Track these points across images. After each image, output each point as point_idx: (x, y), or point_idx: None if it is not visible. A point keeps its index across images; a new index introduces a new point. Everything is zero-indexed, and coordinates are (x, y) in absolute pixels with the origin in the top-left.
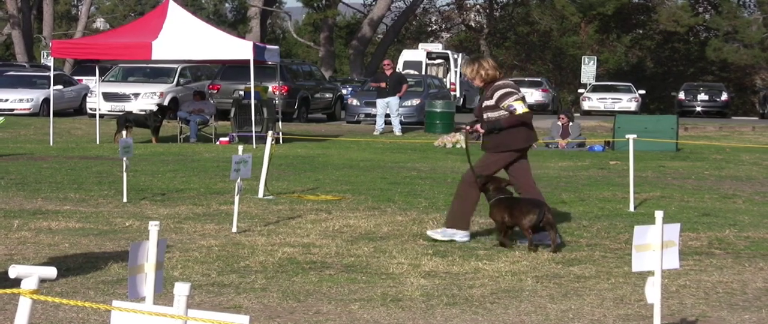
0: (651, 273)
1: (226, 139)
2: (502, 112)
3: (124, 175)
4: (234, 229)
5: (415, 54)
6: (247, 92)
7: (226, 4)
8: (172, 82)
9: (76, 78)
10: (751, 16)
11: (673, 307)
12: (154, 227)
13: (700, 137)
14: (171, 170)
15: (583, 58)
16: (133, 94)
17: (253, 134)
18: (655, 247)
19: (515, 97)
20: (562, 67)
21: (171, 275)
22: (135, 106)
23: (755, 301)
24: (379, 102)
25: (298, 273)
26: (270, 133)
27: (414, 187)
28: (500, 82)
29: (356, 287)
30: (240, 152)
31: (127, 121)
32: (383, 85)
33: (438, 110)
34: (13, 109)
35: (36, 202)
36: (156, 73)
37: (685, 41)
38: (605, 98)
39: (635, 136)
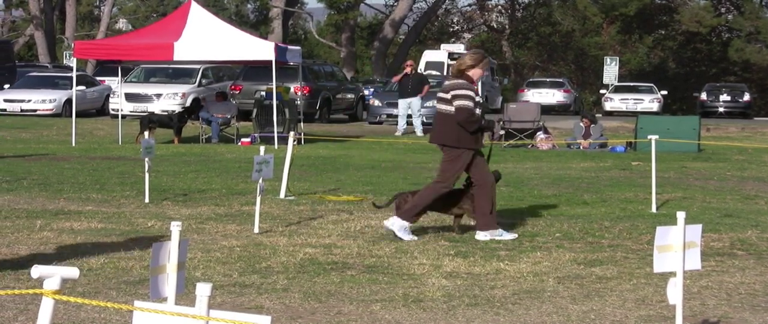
0: (673, 274)
1: (248, 139)
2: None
3: (146, 175)
4: (256, 230)
5: (437, 55)
6: (269, 93)
7: (248, 5)
8: (194, 82)
9: (98, 79)
10: None
11: (695, 308)
12: (176, 227)
13: (723, 138)
14: (193, 171)
15: (605, 58)
16: (155, 95)
17: (275, 135)
18: (677, 248)
19: None
20: (583, 68)
21: (193, 276)
22: (157, 107)
23: None
24: (401, 102)
25: (319, 273)
26: (292, 133)
27: None
28: None
29: (378, 288)
30: (262, 153)
31: (150, 121)
32: (400, 77)
33: None
34: (35, 110)
35: (58, 203)
36: (178, 74)
37: (707, 42)
38: (627, 99)
39: (657, 136)
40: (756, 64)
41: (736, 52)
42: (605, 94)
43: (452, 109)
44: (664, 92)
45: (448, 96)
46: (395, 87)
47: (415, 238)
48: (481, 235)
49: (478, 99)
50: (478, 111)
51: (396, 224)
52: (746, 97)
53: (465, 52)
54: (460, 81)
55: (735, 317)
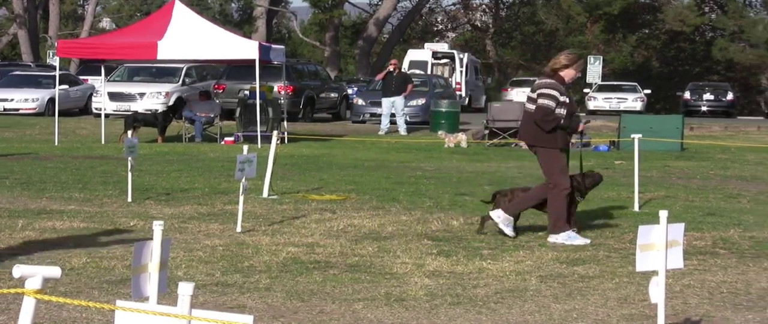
0: (655, 273)
1: (231, 138)
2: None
3: (129, 174)
4: (238, 229)
5: (421, 54)
6: (253, 92)
7: (232, 4)
8: (178, 81)
9: (81, 78)
10: (757, 15)
11: (677, 306)
12: (158, 227)
13: (706, 137)
14: (176, 170)
15: (588, 57)
16: (139, 94)
17: (259, 134)
18: (660, 247)
19: None
20: None
21: (175, 275)
22: (140, 106)
23: (759, 301)
24: (385, 101)
25: (302, 273)
26: (275, 132)
27: (419, 186)
28: None
29: (360, 287)
30: (245, 152)
31: (135, 120)
32: (383, 74)
33: (443, 110)
34: (18, 109)
35: (40, 202)
36: (161, 73)
37: (690, 41)
38: (611, 98)
39: (640, 135)
40: (739, 64)
41: (720, 52)
42: (589, 93)
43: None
44: (648, 91)
45: (534, 95)
46: (379, 86)
47: (514, 234)
48: (553, 238)
49: (563, 99)
50: (561, 111)
51: (501, 217)
52: (729, 96)
53: (448, 50)
54: (549, 81)
55: (717, 316)
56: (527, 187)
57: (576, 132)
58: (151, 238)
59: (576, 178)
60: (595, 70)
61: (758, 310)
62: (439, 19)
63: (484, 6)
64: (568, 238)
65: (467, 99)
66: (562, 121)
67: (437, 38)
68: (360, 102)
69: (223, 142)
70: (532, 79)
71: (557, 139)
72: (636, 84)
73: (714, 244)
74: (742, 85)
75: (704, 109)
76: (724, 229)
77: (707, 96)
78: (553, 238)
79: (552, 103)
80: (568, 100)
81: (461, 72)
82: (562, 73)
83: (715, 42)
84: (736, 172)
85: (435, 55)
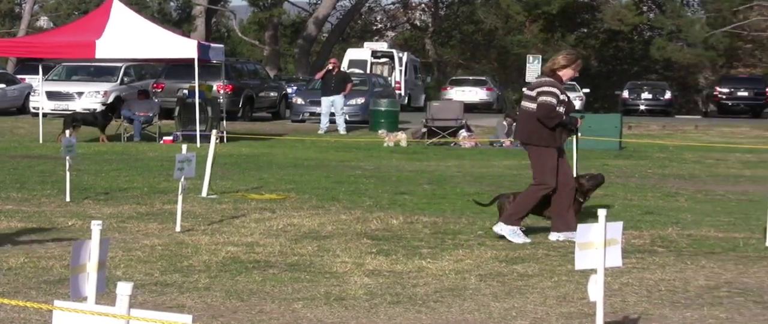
0: (594, 271)
1: (170, 138)
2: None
3: (67, 174)
4: (177, 229)
5: (361, 53)
6: (192, 91)
7: (171, 3)
8: (116, 80)
9: (19, 77)
10: (694, 15)
11: (616, 305)
12: (96, 226)
13: (644, 136)
14: (114, 169)
15: (527, 56)
16: (77, 93)
17: (198, 133)
18: (598, 245)
19: None
20: (506, 66)
21: (114, 275)
22: (78, 105)
23: (697, 299)
24: (324, 100)
25: (241, 272)
26: (214, 131)
27: (358, 185)
28: None
29: (300, 286)
30: (184, 151)
31: (74, 120)
32: (323, 73)
33: (383, 109)
34: None
35: None
36: (100, 72)
37: (629, 40)
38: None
39: (579, 134)
40: (677, 63)
41: (658, 51)
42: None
43: (535, 106)
44: (587, 90)
45: (534, 93)
46: (318, 85)
47: (529, 240)
48: (555, 236)
49: (563, 97)
50: (561, 109)
51: (505, 230)
52: (668, 95)
53: (387, 50)
54: (547, 79)
55: (655, 314)
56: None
57: (575, 129)
58: (90, 238)
59: (577, 180)
60: (534, 69)
61: (696, 307)
62: (378, 19)
63: (423, 5)
64: (512, 233)
65: (406, 98)
66: (564, 118)
67: (377, 37)
68: (299, 101)
69: (162, 142)
70: (471, 78)
71: (555, 138)
72: (575, 83)
73: (652, 242)
74: (680, 84)
75: (642, 108)
76: (662, 228)
77: (645, 95)
78: (498, 228)
79: (554, 101)
80: (566, 99)
81: (401, 71)
82: (560, 73)
83: (653, 41)
84: (674, 171)
85: (374, 54)
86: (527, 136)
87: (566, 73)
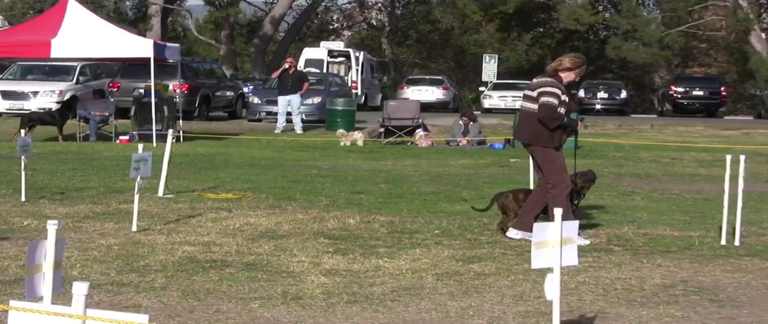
0: (550, 270)
1: (126, 137)
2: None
3: (23, 173)
4: (134, 228)
5: (317, 52)
6: (148, 90)
7: (127, 2)
8: (72, 80)
9: None
10: (650, 15)
11: (572, 303)
12: (52, 226)
13: (600, 135)
14: (70, 169)
15: (484, 56)
16: (32, 93)
17: (154, 132)
18: (554, 244)
19: None
20: (463, 66)
21: (70, 274)
22: (34, 105)
23: (653, 297)
24: (281, 100)
25: (198, 272)
26: (170, 131)
27: (315, 185)
28: None
29: (256, 286)
30: (140, 151)
31: (31, 120)
32: (279, 73)
33: (339, 108)
34: None
35: None
36: (55, 71)
37: (585, 39)
38: (506, 96)
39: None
40: (632, 62)
41: (614, 50)
42: (484, 91)
43: (536, 107)
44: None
45: (535, 94)
46: (275, 84)
47: (588, 242)
48: (513, 233)
49: (564, 98)
50: (561, 110)
51: (519, 235)
52: (623, 94)
53: (343, 49)
54: (550, 80)
55: (611, 312)
56: (527, 190)
57: (575, 131)
58: (46, 238)
59: (570, 179)
60: (490, 68)
61: (652, 306)
62: (334, 18)
63: (379, 5)
64: (524, 235)
65: (363, 97)
66: (565, 120)
67: (333, 37)
68: (256, 100)
69: (118, 141)
70: (427, 77)
71: (555, 138)
72: (531, 82)
73: (608, 241)
74: (636, 83)
75: (598, 107)
76: (618, 227)
77: (601, 94)
78: (512, 233)
79: (555, 101)
80: (567, 100)
81: (357, 70)
82: (562, 75)
83: (609, 41)
84: (630, 170)
85: (331, 53)
86: (529, 137)
87: (568, 76)
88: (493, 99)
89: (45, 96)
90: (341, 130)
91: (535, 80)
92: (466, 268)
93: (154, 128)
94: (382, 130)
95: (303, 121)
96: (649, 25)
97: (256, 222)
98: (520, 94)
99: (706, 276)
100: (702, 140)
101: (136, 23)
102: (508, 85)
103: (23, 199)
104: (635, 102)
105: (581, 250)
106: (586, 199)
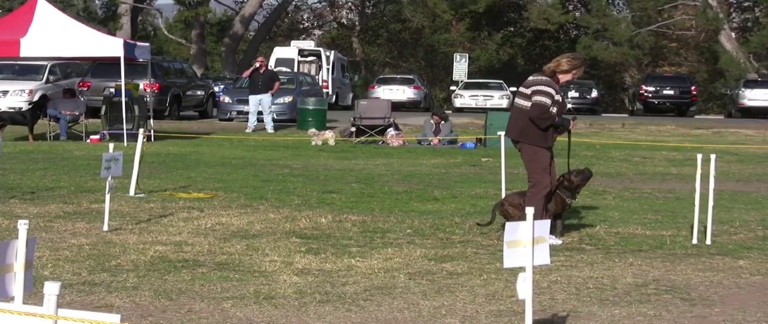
0: (522, 269)
1: (97, 136)
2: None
3: None
4: (105, 228)
5: (288, 51)
6: (118, 90)
7: (96, 1)
8: (42, 79)
9: None
10: (620, 14)
11: (545, 302)
12: (23, 226)
13: (571, 134)
14: (41, 168)
15: (454, 55)
16: (2, 92)
17: (125, 132)
18: (526, 244)
19: None
20: (434, 65)
21: (41, 274)
22: (3, 104)
23: (625, 296)
24: (252, 99)
25: (170, 271)
26: (141, 130)
27: (286, 184)
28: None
29: (229, 285)
30: (111, 150)
31: (1, 119)
32: (250, 72)
33: (310, 107)
34: None
35: None
36: (25, 71)
37: (555, 39)
38: (477, 95)
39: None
40: (603, 61)
41: (584, 49)
42: (455, 90)
43: (529, 104)
44: (514, 89)
45: (528, 92)
46: (246, 83)
47: (560, 241)
48: (551, 240)
49: (557, 98)
50: (554, 110)
51: (551, 240)
52: (594, 93)
53: (314, 48)
54: (544, 78)
55: (584, 311)
56: (520, 192)
57: (566, 130)
58: (17, 238)
59: (565, 177)
60: (461, 68)
61: (624, 305)
62: (305, 17)
63: (349, 4)
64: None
65: (334, 96)
66: (556, 120)
67: (304, 36)
68: (227, 100)
69: (88, 140)
70: (398, 76)
71: (547, 138)
72: (502, 81)
73: (580, 240)
74: (607, 82)
75: (569, 106)
76: (590, 226)
77: (572, 93)
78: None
79: (548, 101)
80: (560, 99)
81: (328, 69)
82: (559, 76)
83: (579, 40)
84: (601, 169)
85: (302, 52)
86: (518, 133)
87: (564, 77)
88: (464, 98)
89: (15, 95)
90: (312, 130)
91: (530, 78)
92: (439, 267)
93: (124, 128)
94: (353, 129)
95: (274, 120)
96: (620, 25)
97: (228, 221)
98: (491, 93)
99: (678, 275)
100: (673, 139)
101: (105, 22)
102: (479, 84)
103: None
104: (606, 101)
105: (553, 249)
106: None
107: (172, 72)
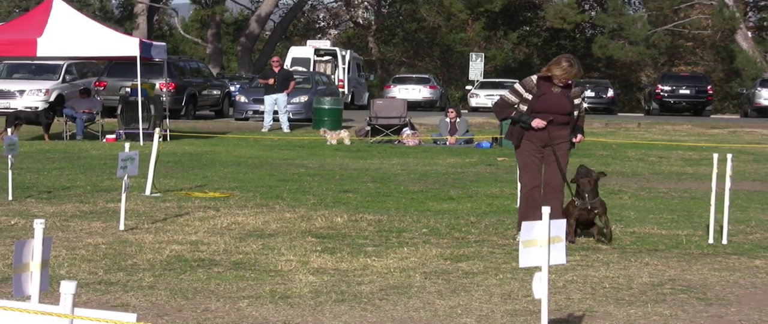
0: (538, 268)
1: (113, 136)
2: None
3: (10, 172)
4: (121, 227)
5: (303, 51)
6: (134, 89)
7: (113, 1)
8: (58, 78)
9: None
10: (636, 13)
11: (561, 302)
12: (39, 225)
13: (587, 133)
14: (57, 168)
15: (470, 54)
16: (19, 91)
17: (140, 131)
18: (542, 243)
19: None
20: (449, 64)
21: (57, 274)
22: (20, 104)
23: (641, 296)
24: (267, 99)
25: (186, 271)
26: (157, 130)
27: (302, 183)
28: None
29: (244, 285)
30: (126, 149)
31: (17, 118)
32: (271, 81)
33: (326, 107)
34: None
35: None
36: (41, 70)
37: (571, 38)
38: (492, 95)
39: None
40: (619, 61)
41: (600, 49)
42: (471, 90)
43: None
44: None
45: None
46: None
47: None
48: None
49: (527, 96)
50: (523, 107)
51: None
52: (610, 93)
53: (330, 48)
54: (526, 78)
55: (600, 311)
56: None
57: (529, 127)
58: (33, 237)
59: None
60: (477, 67)
61: (640, 304)
62: (321, 16)
63: (365, 3)
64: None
65: (350, 96)
66: (513, 115)
67: (319, 35)
68: (242, 99)
69: (104, 140)
70: (414, 76)
71: (513, 135)
72: (518, 81)
73: (596, 239)
74: (623, 82)
75: (585, 106)
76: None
77: (588, 93)
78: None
79: (511, 97)
80: (531, 98)
81: (344, 69)
82: (551, 76)
83: (595, 39)
84: (617, 168)
85: (317, 52)
86: (507, 134)
87: (555, 77)
88: (480, 98)
89: (31, 95)
90: (323, 129)
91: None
92: (454, 266)
93: (140, 127)
94: (368, 128)
95: (290, 119)
96: (636, 24)
97: (244, 221)
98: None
99: (694, 274)
100: (689, 139)
101: (122, 22)
102: (495, 83)
103: (10, 198)
104: (622, 100)
105: (569, 248)
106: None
107: (188, 71)
